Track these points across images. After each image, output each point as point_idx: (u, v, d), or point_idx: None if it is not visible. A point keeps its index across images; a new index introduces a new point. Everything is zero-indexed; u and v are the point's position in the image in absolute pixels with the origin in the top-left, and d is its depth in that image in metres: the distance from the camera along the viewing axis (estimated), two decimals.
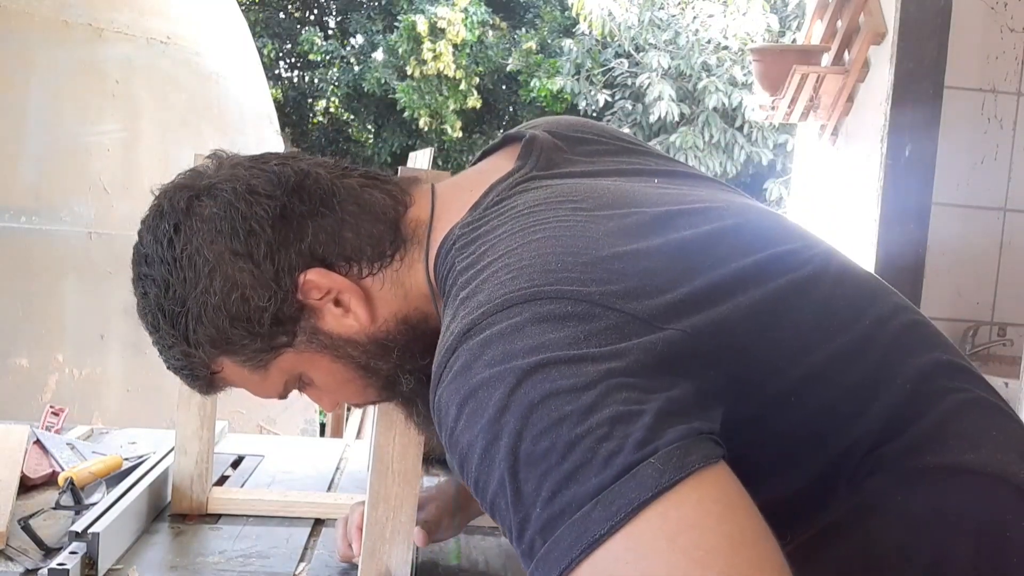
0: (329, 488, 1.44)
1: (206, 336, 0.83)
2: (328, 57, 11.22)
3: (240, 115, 3.37)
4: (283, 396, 0.90)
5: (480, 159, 0.96)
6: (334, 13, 12.55)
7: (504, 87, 11.36)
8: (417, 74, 10.20)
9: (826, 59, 2.64)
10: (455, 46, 10.14)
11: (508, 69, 10.62)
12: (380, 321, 0.85)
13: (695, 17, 9.26)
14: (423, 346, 0.84)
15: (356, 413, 4.11)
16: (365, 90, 10.88)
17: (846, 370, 0.73)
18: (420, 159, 1.25)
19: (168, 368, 0.89)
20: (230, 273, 0.81)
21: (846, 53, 2.61)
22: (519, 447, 0.61)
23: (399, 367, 0.86)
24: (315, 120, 12.12)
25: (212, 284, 0.81)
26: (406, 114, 10.43)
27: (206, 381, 0.89)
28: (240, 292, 0.81)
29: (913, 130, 2.42)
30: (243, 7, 4.16)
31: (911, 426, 0.72)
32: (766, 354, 0.71)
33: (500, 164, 0.88)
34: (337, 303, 0.84)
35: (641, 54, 9.36)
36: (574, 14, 9.24)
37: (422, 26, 9.99)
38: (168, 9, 3.21)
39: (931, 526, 0.70)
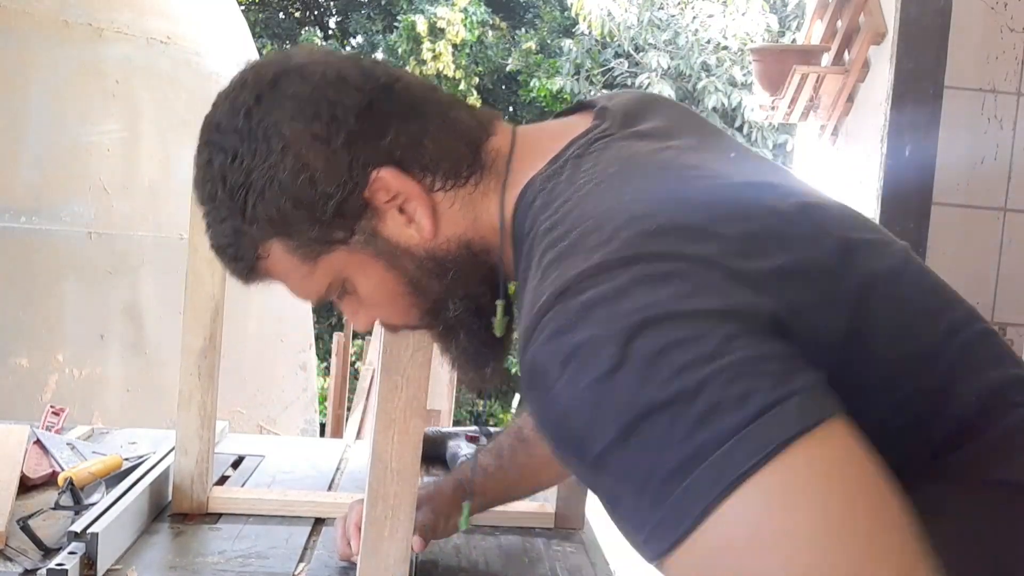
0: (329, 488, 1.44)
1: (265, 214, 0.79)
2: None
3: None
4: (321, 300, 0.86)
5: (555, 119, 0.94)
6: (334, 14, 12.55)
7: (504, 87, 11.36)
8: (416, 74, 10.22)
9: (826, 59, 2.64)
10: (454, 46, 10.13)
11: (508, 69, 10.62)
12: (442, 238, 0.82)
13: (695, 17, 9.26)
14: (480, 275, 0.83)
15: (356, 413, 4.10)
16: None
17: (920, 372, 0.72)
18: None
19: (212, 247, 0.86)
20: (304, 154, 0.78)
21: (846, 53, 2.61)
22: (641, 397, 0.60)
23: (451, 291, 0.83)
24: None
25: (283, 161, 0.78)
26: None
27: (249, 266, 0.84)
28: (310, 175, 0.78)
29: (913, 130, 2.42)
30: (243, 8, 4.16)
31: (978, 438, 0.72)
32: (861, 338, 0.70)
33: (577, 122, 0.86)
34: (402, 211, 0.81)
35: (641, 54, 9.36)
36: (573, 14, 9.24)
37: (422, 26, 9.99)
38: (168, 9, 3.21)
39: (989, 541, 0.69)
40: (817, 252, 0.71)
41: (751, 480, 0.56)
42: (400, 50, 10.25)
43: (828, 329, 0.68)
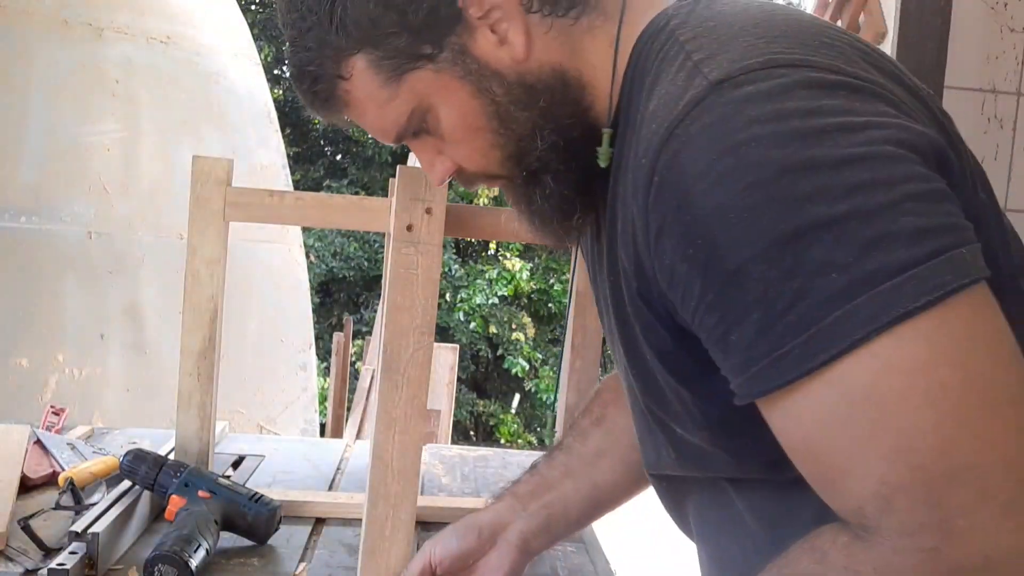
0: (329, 488, 1.44)
1: (354, 17, 0.73)
2: None
3: (240, 115, 3.37)
4: (400, 136, 0.80)
5: None
6: None
7: None
8: None
9: None
10: None
11: None
12: (534, 63, 0.75)
13: None
14: (572, 111, 0.76)
15: (356, 413, 4.11)
16: None
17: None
18: None
19: (292, 70, 0.79)
20: None
21: None
22: (808, 209, 0.56)
23: (538, 124, 0.76)
24: (316, 120, 12.11)
25: None
26: None
27: (328, 89, 0.77)
28: None
29: None
30: (243, 8, 4.16)
31: None
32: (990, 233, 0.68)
33: None
34: (493, 31, 0.74)
35: None
36: None
37: None
38: (168, 9, 3.21)
39: None
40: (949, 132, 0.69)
41: (915, 321, 0.54)
42: None
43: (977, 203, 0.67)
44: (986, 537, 0.53)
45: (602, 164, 0.77)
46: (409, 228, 0.98)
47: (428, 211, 0.99)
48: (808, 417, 0.58)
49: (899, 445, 0.55)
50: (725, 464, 0.76)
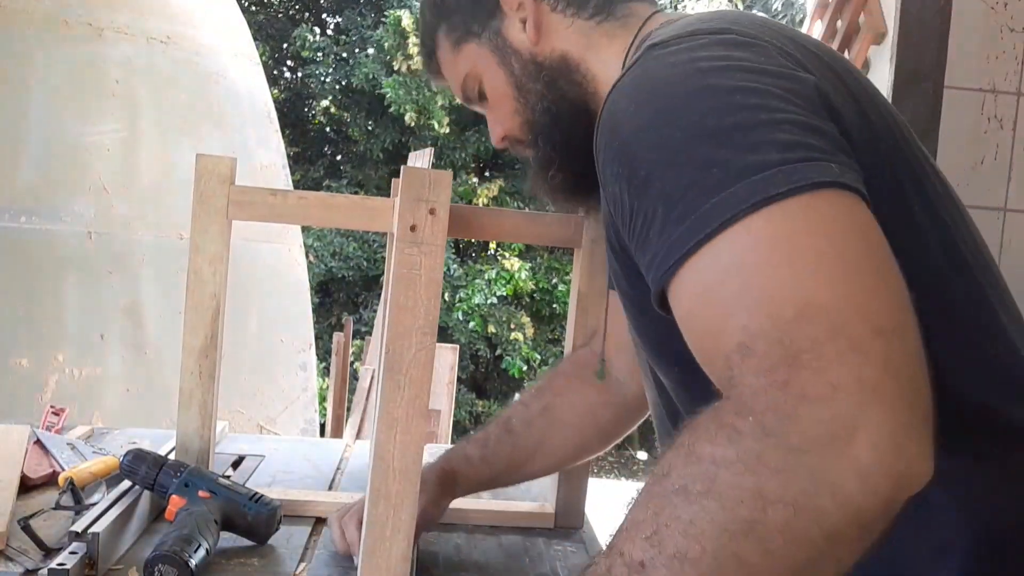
0: (329, 488, 1.44)
1: (433, 1, 1.05)
2: (320, 54, 11.21)
3: (240, 115, 3.37)
4: (467, 98, 1.06)
5: None
6: (332, 13, 12.54)
7: None
8: (404, 69, 10.17)
9: None
10: None
11: None
12: (547, 47, 0.98)
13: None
14: (570, 89, 0.97)
15: (356, 413, 4.10)
16: (355, 86, 10.87)
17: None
18: (421, 159, 1.25)
19: (420, 49, 1.13)
20: None
21: (846, 53, 2.60)
22: (700, 122, 0.66)
23: (543, 95, 0.98)
24: (316, 120, 12.11)
25: None
26: (392, 110, 10.39)
27: (429, 52, 1.09)
28: None
29: (913, 130, 2.42)
30: (242, 8, 4.16)
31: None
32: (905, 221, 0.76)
33: None
34: (522, 21, 0.98)
35: None
36: None
37: (407, 21, 9.95)
38: (168, 9, 3.21)
39: None
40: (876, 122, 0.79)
41: (782, 203, 0.61)
42: (387, 45, 10.23)
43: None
44: (832, 368, 0.55)
45: None
46: (412, 228, 0.98)
47: (432, 211, 0.98)
48: (691, 293, 0.64)
49: (760, 298, 0.59)
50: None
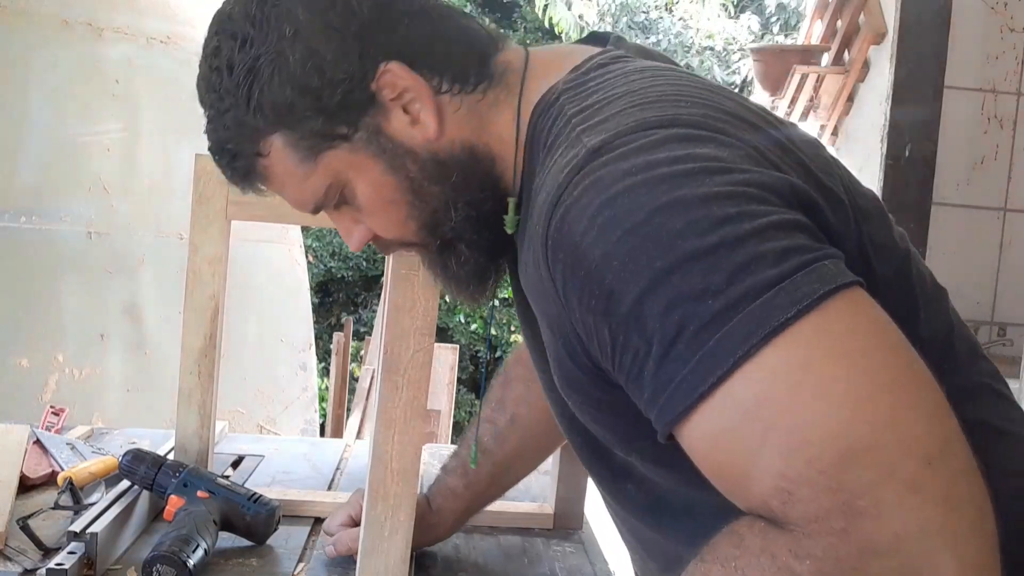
0: (329, 488, 1.43)
1: (270, 101, 0.78)
2: None
3: None
4: (317, 208, 0.85)
5: None
6: None
7: None
8: None
9: (826, 59, 2.64)
10: None
11: None
12: (445, 140, 0.81)
13: (680, 18, 9.31)
14: (482, 182, 0.82)
15: (356, 413, 4.11)
16: None
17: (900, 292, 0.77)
18: None
19: (211, 149, 0.84)
20: (314, 41, 0.77)
21: (846, 53, 2.61)
22: (678, 244, 0.60)
23: (451, 197, 0.82)
24: None
25: (293, 47, 0.77)
26: None
27: (248, 165, 0.82)
28: (318, 62, 0.77)
29: (913, 130, 2.42)
30: None
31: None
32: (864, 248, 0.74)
33: (591, 48, 0.86)
34: (406, 111, 0.80)
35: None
36: (546, 23, 9.24)
37: None
38: (168, 9, 3.20)
39: None
40: (836, 187, 0.74)
41: (792, 329, 0.57)
42: None
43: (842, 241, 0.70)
44: (892, 515, 0.53)
45: (509, 231, 0.83)
46: None
47: None
48: (709, 435, 0.60)
49: (792, 441, 0.56)
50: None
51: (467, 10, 8.60)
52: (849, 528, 0.53)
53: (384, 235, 0.86)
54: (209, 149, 0.84)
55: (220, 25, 0.81)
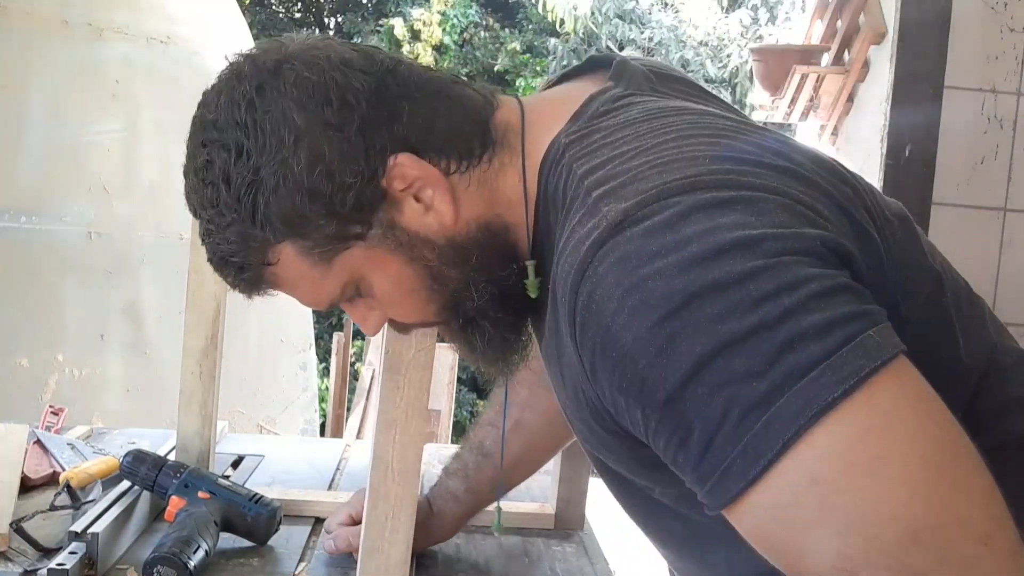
0: (329, 488, 1.43)
1: (278, 212, 0.73)
2: None
3: None
4: (333, 304, 0.81)
5: (559, 81, 0.90)
6: (332, 14, 12.54)
7: (499, 84, 11.33)
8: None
9: (826, 59, 2.64)
10: (437, 48, 10.10)
11: (496, 69, 10.59)
12: (462, 223, 0.77)
13: (676, 12, 9.31)
14: (502, 257, 0.79)
15: (356, 413, 4.11)
16: None
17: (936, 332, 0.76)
18: None
19: (211, 257, 0.78)
20: (316, 144, 0.72)
21: (846, 53, 2.61)
22: (718, 329, 0.58)
23: (472, 278, 0.78)
24: None
25: (296, 154, 0.72)
26: None
27: (255, 275, 0.77)
28: (326, 166, 0.72)
29: (913, 130, 2.42)
30: (243, 8, 4.16)
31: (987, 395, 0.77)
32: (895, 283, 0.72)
33: (590, 85, 0.82)
34: (417, 199, 0.76)
35: (625, 52, 9.40)
36: (549, 19, 9.25)
37: (400, 30, 9.96)
38: (168, 9, 3.21)
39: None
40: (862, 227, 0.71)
41: (841, 408, 0.56)
42: None
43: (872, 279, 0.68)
44: None
45: (532, 295, 0.80)
46: None
47: None
48: (762, 518, 0.59)
49: (850, 520, 0.56)
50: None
51: (469, 14, 8.50)
52: None
53: (403, 320, 0.84)
54: (209, 260, 0.79)
55: (206, 135, 0.75)
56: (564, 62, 9.80)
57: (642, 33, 9.30)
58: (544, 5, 8.95)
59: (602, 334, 0.62)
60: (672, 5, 9.34)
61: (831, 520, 0.56)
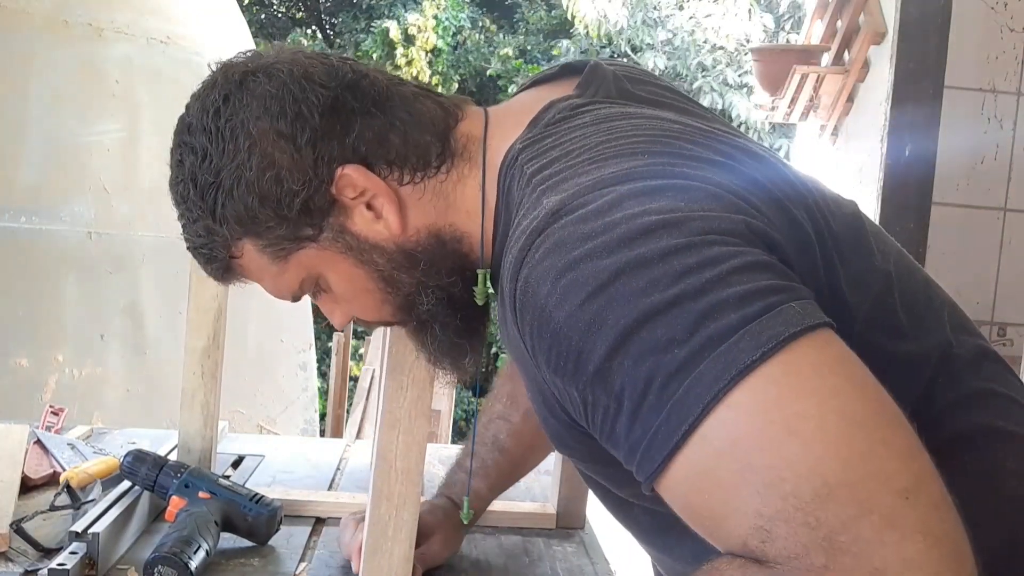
0: (329, 488, 1.43)
1: (233, 212, 0.81)
2: None
3: None
4: (296, 298, 0.88)
5: (531, 86, 0.94)
6: (328, 13, 12.54)
7: (491, 88, 11.28)
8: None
9: (826, 59, 2.64)
10: (431, 52, 10.09)
11: (488, 73, 10.57)
12: (411, 231, 0.83)
13: (691, 17, 9.27)
14: (451, 264, 0.84)
15: (356, 413, 4.10)
16: None
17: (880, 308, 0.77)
18: None
19: (188, 248, 0.88)
20: (269, 152, 0.79)
21: (846, 53, 2.61)
22: (642, 301, 0.60)
23: (422, 283, 0.84)
24: None
25: (250, 159, 0.79)
26: None
27: (223, 265, 0.86)
28: (275, 172, 0.79)
29: (913, 130, 2.42)
30: (243, 8, 4.16)
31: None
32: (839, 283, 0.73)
33: (556, 91, 0.86)
34: (369, 207, 0.82)
35: (638, 55, 9.35)
36: (569, 16, 9.22)
37: (394, 32, 9.96)
38: (168, 9, 3.20)
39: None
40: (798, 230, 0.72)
41: (759, 370, 0.57)
42: (375, 55, 10.21)
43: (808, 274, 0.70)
44: (872, 550, 0.53)
45: (479, 302, 0.85)
46: None
47: None
48: (685, 483, 0.60)
49: (768, 478, 0.56)
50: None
51: (461, 17, 8.45)
52: (830, 564, 0.53)
53: (363, 318, 0.90)
54: (187, 248, 0.88)
55: (181, 137, 0.84)
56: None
57: (659, 36, 9.27)
58: (572, 15, 8.90)
59: (538, 315, 0.65)
60: (687, 8, 9.31)
61: (749, 479, 0.57)
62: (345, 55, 0.89)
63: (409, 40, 10.02)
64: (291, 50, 0.86)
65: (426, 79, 9.99)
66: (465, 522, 1.14)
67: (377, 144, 0.81)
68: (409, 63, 9.96)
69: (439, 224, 0.83)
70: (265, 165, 0.79)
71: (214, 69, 0.85)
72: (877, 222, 2.44)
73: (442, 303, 0.85)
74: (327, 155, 0.80)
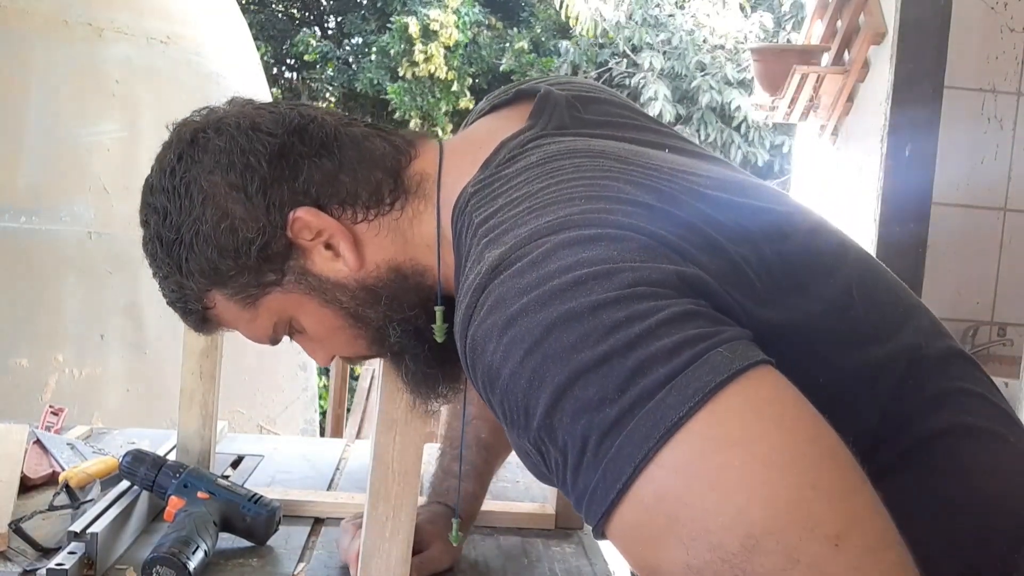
0: (329, 488, 1.44)
1: (196, 266, 0.84)
2: (323, 58, 11.20)
3: None
4: (274, 341, 0.90)
5: (490, 111, 0.95)
6: (332, 13, 12.54)
7: (500, 86, 11.31)
8: (409, 75, 10.18)
9: (826, 59, 2.64)
10: (447, 48, 10.09)
11: (501, 69, 10.58)
12: (371, 267, 0.84)
13: (692, 16, 9.27)
14: (415, 298, 0.86)
15: (356, 413, 4.11)
16: (359, 91, 10.86)
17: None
18: None
19: (167, 303, 0.91)
20: (222, 203, 0.82)
21: (846, 53, 2.61)
22: (573, 358, 0.60)
23: (388, 316, 0.86)
24: None
25: (204, 213, 0.82)
26: (397, 115, 10.39)
27: (199, 316, 0.89)
28: (229, 223, 0.82)
29: (913, 130, 2.42)
30: (242, 8, 4.17)
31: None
32: (781, 315, 0.72)
33: (510, 122, 0.87)
34: (328, 246, 0.84)
35: (638, 54, 9.35)
36: (563, 17, 9.22)
37: (414, 28, 9.96)
38: (168, 9, 3.20)
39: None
40: (744, 251, 0.72)
41: (686, 426, 0.57)
42: (392, 51, 10.23)
43: (751, 312, 0.69)
44: None
45: (438, 339, 0.86)
46: None
47: None
48: (626, 539, 0.61)
49: (694, 530, 0.56)
50: None
51: (474, 13, 8.41)
52: None
53: (341, 354, 0.92)
54: (167, 304, 0.91)
55: (145, 198, 0.87)
56: (575, 62, 9.77)
57: (658, 36, 9.26)
58: (565, 8, 8.91)
59: (487, 372, 0.66)
60: (687, 8, 9.30)
61: (677, 532, 0.57)
62: (295, 101, 0.93)
63: (428, 36, 10.01)
64: (242, 102, 0.89)
65: (443, 75, 10.01)
66: (455, 544, 1.13)
67: (327, 185, 0.83)
68: (427, 59, 9.96)
69: (399, 259, 0.85)
70: (219, 217, 0.82)
71: (171, 130, 0.89)
72: (877, 222, 2.45)
73: (408, 335, 0.86)
74: (278, 200, 0.82)
